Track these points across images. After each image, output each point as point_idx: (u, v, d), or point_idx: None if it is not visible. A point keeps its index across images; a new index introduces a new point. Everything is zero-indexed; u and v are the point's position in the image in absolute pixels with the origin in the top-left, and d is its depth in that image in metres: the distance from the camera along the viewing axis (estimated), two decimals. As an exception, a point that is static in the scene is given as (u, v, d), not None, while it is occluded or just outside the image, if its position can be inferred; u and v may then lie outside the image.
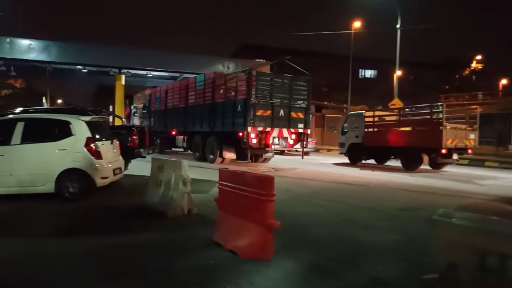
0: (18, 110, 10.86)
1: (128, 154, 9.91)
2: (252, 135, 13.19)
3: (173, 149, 19.05)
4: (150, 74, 35.08)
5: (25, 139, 7.08)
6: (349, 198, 8.26)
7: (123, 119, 21.56)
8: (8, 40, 27.72)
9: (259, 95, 13.35)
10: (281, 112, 13.73)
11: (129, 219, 6.03)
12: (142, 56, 30.93)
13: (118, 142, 8.72)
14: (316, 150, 25.41)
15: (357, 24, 29.11)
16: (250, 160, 14.78)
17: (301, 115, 14.19)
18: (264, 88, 13.58)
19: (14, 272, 3.79)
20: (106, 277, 3.69)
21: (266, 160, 15.76)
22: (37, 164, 7.07)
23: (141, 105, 26.05)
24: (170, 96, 19.03)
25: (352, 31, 29.02)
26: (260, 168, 13.51)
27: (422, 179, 11.73)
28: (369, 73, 55.88)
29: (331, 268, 4.02)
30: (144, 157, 10.96)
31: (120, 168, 8.20)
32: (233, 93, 14.44)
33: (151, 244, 4.74)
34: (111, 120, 20.27)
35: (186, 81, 18.64)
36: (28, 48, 28.19)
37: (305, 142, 14.67)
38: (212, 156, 14.73)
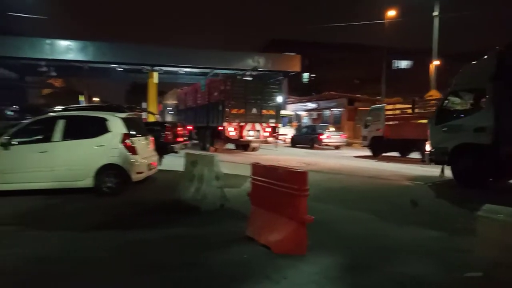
0: (59, 108, 11.37)
1: (161, 149, 10.14)
2: (231, 129, 16.69)
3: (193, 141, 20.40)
4: (181, 70, 35.67)
5: (66, 136, 7.40)
6: (381, 193, 8.03)
7: (156, 116, 22.26)
8: (48, 41, 29.05)
9: (234, 97, 16.82)
10: (254, 110, 17.13)
11: (163, 213, 6.16)
12: (174, 53, 31.50)
13: (152, 138, 8.93)
14: (348, 144, 24.83)
15: (391, 13, 28.11)
16: (243, 150, 18.65)
17: (272, 112, 17.55)
18: (238, 91, 17.05)
19: (55, 265, 3.95)
20: (142, 271, 3.77)
21: (254, 149, 18.64)
22: (77, 160, 7.36)
23: (169, 102, 27.94)
24: (188, 97, 22.90)
25: (386, 21, 28.09)
26: (291, 162, 13.51)
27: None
28: (404, 64, 54.02)
29: (366, 264, 3.93)
30: (177, 152, 11.16)
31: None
32: (218, 96, 17.66)
33: (185, 238, 4.81)
34: (144, 116, 20.91)
35: (196, 85, 22.15)
36: (66, 49, 29.42)
37: (276, 134, 18.37)
38: (208, 145, 18.19)
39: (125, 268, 3.88)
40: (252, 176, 5.06)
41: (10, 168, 7.21)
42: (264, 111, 17.35)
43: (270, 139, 17.94)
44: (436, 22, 22.03)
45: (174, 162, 10.91)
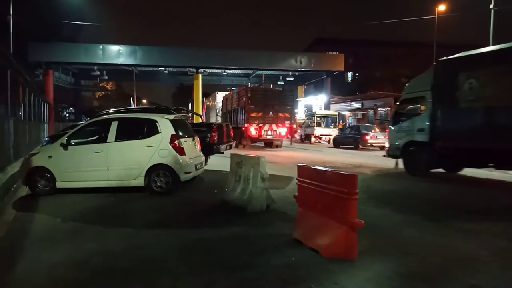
0: (111, 110, 11.95)
1: (207, 150, 10.34)
2: (251, 129, 20.17)
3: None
4: (225, 72, 36.26)
5: (119, 137, 7.75)
6: (436, 198, 7.66)
7: (202, 117, 23.06)
8: (100, 47, 30.73)
9: (253, 102, 20.39)
10: (271, 113, 20.48)
11: (211, 214, 6.27)
12: (218, 55, 32.11)
13: (198, 139, 9.12)
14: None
15: (441, 8, 26.77)
16: (269, 147, 21.61)
17: (287, 115, 20.89)
18: (257, 98, 20.57)
19: (116, 261, 4.15)
20: (197, 271, 3.85)
21: (277, 146, 21.64)
22: (130, 160, 7.69)
23: (211, 104, 31.90)
24: (227, 101, 26.38)
25: (436, 16, 26.79)
26: (336, 164, 13.26)
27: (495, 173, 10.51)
28: (455, 61, 51.21)
29: (422, 273, 3.74)
30: (222, 153, 11.34)
31: (201, 163, 8.57)
32: (242, 101, 21.16)
33: (233, 239, 4.87)
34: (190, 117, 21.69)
35: (232, 92, 25.41)
36: (117, 53, 30.94)
37: (292, 133, 22.54)
38: (238, 143, 20.09)
39: (184, 266, 3.97)
40: (298, 178, 5.01)
41: (69, 167, 7.68)
42: (280, 114, 20.74)
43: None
44: (492, 15, 20.68)
45: (220, 162, 11.12)
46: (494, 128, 8.42)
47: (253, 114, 20.42)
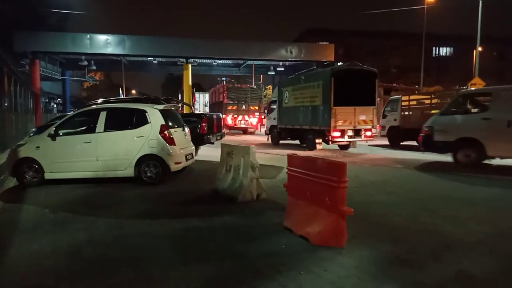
0: (100, 100, 11.81)
1: (198, 140, 10.31)
2: (228, 119, 25.28)
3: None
4: (215, 62, 35.95)
5: (108, 127, 7.68)
6: (423, 186, 7.77)
7: (192, 107, 23.13)
8: (88, 36, 30.07)
9: (229, 97, 25.89)
10: (243, 106, 25.91)
11: (202, 203, 6.29)
12: (208, 45, 31.71)
13: (188, 129, 9.08)
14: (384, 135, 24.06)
15: (431, -2, 26.83)
16: (245, 133, 26.61)
17: (257, 108, 26.33)
18: (232, 93, 25.99)
19: (108, 250, 4.13)
20: (189, 260, 3.85)
21: (251, 133, 26.57)
22: (119, 150, 7.64)
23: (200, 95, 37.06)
24: (212, 95, 31.65)
25: (425, 6, 26.86)
26: (326, 153, 13.36)
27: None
28: (444, 51, 51.59)
29: (410, 259, 3.80)
30: (213, 143, 11.32)
31: (191, 153, 8.55)
32: (220, 96, 26.77)
33: (224, 228, 4.89)
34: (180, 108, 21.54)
35: (215, 87, 30.62)
36: (105, 43, 30.32)
37: (261, 123, 26.74)
38: None
39: (176, 256, 3.97)
40: (288, 167, 5.04)
41: (58, 158, 7.60)
42: (251, 107, 26.05)
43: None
44: (480, 5, 20.82)
45: (211, 152, 11.11)
46: (296, 118, 15.23)
47: (229, 107, 25.59)
